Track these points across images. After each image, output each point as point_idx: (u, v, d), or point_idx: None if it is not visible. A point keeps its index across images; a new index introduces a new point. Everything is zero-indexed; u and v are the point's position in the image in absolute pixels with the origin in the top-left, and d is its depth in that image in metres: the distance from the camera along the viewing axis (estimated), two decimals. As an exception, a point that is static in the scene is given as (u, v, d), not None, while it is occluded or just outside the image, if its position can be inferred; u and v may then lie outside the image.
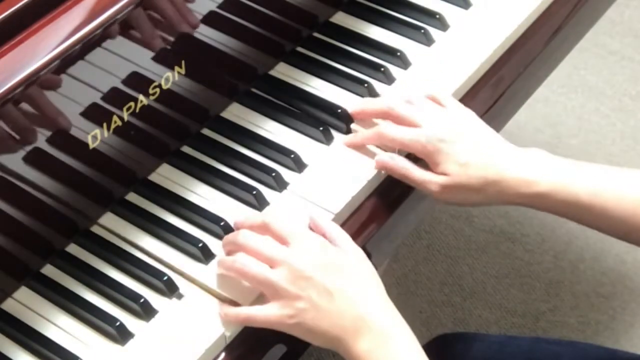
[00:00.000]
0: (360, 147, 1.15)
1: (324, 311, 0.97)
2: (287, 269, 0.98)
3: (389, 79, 1.24)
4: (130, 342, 1.01)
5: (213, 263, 1.06)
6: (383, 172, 1.14)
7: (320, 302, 0.97)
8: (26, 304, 1.04)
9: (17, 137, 0.98)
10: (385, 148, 1.15)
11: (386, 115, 1.14)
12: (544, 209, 1.09)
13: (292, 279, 0.97)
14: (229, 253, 1.03)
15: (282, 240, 1.00)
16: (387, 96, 1.19)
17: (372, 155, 1.15)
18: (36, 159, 1.00)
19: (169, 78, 1.10)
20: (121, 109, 1.06)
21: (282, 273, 0.98)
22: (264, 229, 1.02)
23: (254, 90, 1.22)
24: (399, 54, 1.25)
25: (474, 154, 1.09)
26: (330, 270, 0.98)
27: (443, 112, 1.13)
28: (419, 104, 1.13)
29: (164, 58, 1.09)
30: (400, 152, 1.13)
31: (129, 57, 1.05)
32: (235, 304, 1.02)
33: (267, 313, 0.99)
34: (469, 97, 1.24)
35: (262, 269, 0.99)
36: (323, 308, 0.97)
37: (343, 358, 0.99)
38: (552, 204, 1.08)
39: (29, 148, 0.99)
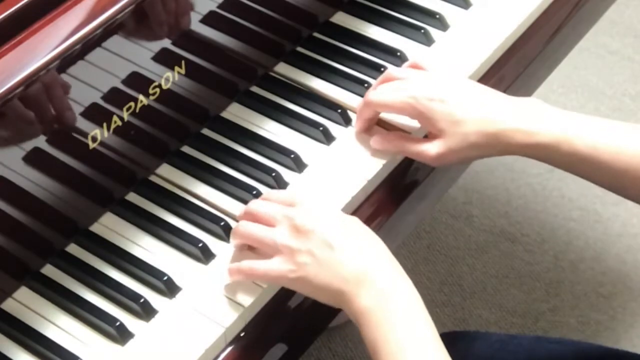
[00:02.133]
0: (364, 143, 1.15)
1: (325, 264, 0.96)
2: (289, 225, 0.98)
3: (389, 79, 1.24)
4: (130, 342, 1.01)
5: (213, 263, 1.06)
6: (383, 172, 1.14)
7: (321, 255, 0.96)
8: (26, 304, 1.04)
9: (17, 136, 0.98)
10: (389, 127, 1.15)
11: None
12: (541, 160, 1.07)
13: (293, 233, 0.98)
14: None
15: (289, 205, 1.01)
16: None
17: (372, 155, 1.15)
18: (36, 159, 1.00)
19: (169, 78, 1.10)
20: (121, 109, 1.06)
21: (283, 229, 0.99)
22: (271, 198, 1.04)
23: (254, 90, 1.23)
24: (399, 54, 1.25)
25: (467, 109, 1.07)
26: (332, 224, 0.98)
27: (427, 74, 1.13)
28: (401, 74, 1.13)
29: (164, 58, 1.09)
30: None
31: (129, 57, 1.05)
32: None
33: (268, 267, 0.99)
34: (469, 97, 1.24)
35: (264, 228, 1.00)
36: (325, 261, 0.96)
37: (342, 358, 0.99)
38: (551, 156, 1.06)
39: (29, 148, 0.99)
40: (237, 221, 1.08)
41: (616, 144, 1.05)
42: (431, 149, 1.09)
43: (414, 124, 1.14)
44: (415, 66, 1.15)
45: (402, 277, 0.97)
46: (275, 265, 0.98)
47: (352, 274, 0.95)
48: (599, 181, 1.08)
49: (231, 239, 1.05)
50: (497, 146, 1.07)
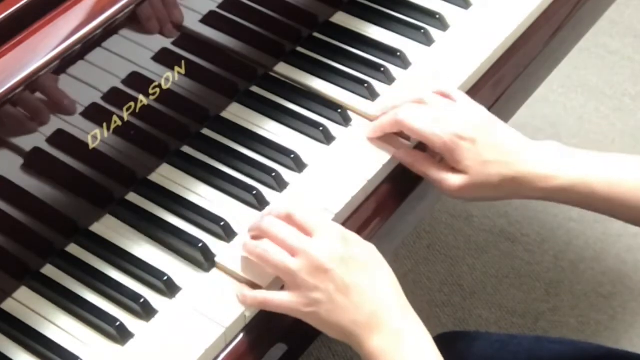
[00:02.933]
0: (363, 143, 1.15)
1: (339, 305, 0.97)
2: (307, 260, 0.99)
3: (389, 79, 1.24)
4: (130, 342, 1.01)
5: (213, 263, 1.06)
6: (383, 172, 1.14)
7: (336, 296, 0.97)
8: (26, 304, 1.04)
9: (17, 136, 0.98)
10: (401, 135, 1.16)
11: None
12: (561, 202, 1.11)
13: (311, 270, 0.98)
14: (253, 238, 1.04)
15: (305, 231, 1.01)
16: (394, 98, 1.19)
17: (372, 155, 1.15)
18: (36, 159, 1.00)
19: (169, 78, 1.10)
20: (121, 109, 1.06)
21: (301, 263, 0.99)
22: (288, 219, 1.03)
23: (254, 90, 1.22)
24: (399, 54, 1.25)
25: (492, 151, 1.09)
26: (350, 264, 0.99)
27: (456, 107, 1.13)
28: (430, 101, 1.14)
29: (164, 58, 1.09)
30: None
31: (129, 57, 1.05)
32: (255, 286, 1.03)
33: (284, 299, 1.00)
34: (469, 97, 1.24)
35: (283, 256, 1.00)
36: (339, 302, 0.97)
37: (342, 358, 0.99)
38: (570, 197, 1.09)
39: (29, 148, 0.99)
40: (235, 219, 1.08)
41: (633, 179, 1.08)
42: (454, 180, 1.10)
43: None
44: (444, 95, 1.15)
45: (412, 316, 0.99)
46: (290, 298, 0.99)
47: (365, 317, 0.97)
48: (620, 217, 1.12)
49: (243, 251, 1.05)
50: (516, 190, 1.10)
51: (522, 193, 1.10)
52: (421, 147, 1.15)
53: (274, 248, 1.01)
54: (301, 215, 1.02)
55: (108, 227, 1.10)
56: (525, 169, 1.09)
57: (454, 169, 1.10)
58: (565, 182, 1.08)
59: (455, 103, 1.14)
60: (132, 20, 1.03)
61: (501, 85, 1.28)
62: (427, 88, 1.16)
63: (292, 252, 1.00)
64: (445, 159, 1.11)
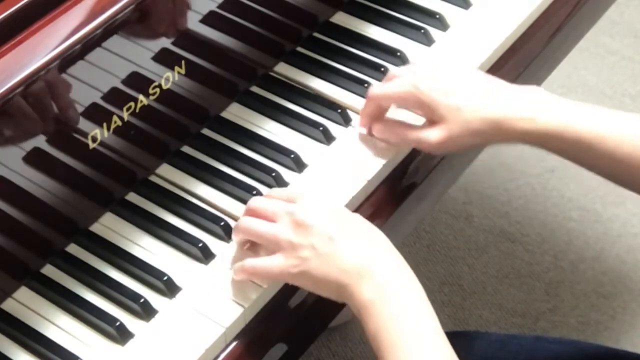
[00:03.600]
0: (363, 144, 1.15)
1: (327, 258, 0.96)
2: (290, 220, 0.99)
3: (389, 79, 1.24)
4: (130, 342, 1.01)
5: (213, 263, 1.06)
6: (383, 172, 1.14)
7: (323, 249, 0.96)
8: (26, 304, 1.04)
9: (17, 136, 0.98)
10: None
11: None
12: (543, 147, 1.07)
13: (294, 228, 0.98)
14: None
15: (290, 202, 1.02)
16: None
17: (372, 155, 1.15)
18: (36, 159, 1.00)
19: (169, 78, 1.10)
20: (121, 109, 1.06)
21: (284, 224, 0.99)
22: (274, 196, 1.04)
23: (254, 90, 1.23)
24: (399, 54, 1.25)
25: (470, 96, 1.07)
26: (333, 218, 0.99)
27: (431, 66, 1.13)
28: (402, 69, 1.13)
29: (164, 58, 1.09)
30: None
31: (129, 57, 1.05)
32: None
33: (271, 264, 0.99)
34: (469, 97, 1.24)
35: (266, 224, 1.00)
36: (326, 255, 0.96)
37: (342, 358, 0.99)
38: (553, 142, 1.06)
39: (29, 148, 0.99)
40: (236, 220, 1.08)
41: (620, 132, 1.05)
42: (432, 135, 1.08)
43: (419, 120, 1.14)
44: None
45: (405, 270, 0.97)
46: (277, 262, 0.98)
47: (353, 267, 0.95)
48: (601, 170, 1.08)
49: (233, 236, 1.05)
50: (498, 133, 1.07)
51: (506, 137, 1.07)
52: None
53: (259, 221, 1.01)
54: (285, 189, 1.03)
55: (108, 227, 1.10)
56: (506, 111, 1.06)
57: (432, 124, 1.08)
58: (550, 125, 1.05)
59: (430, 64, 1.14)
60: (133, 20, 1.03)
61: (501, 85, 1.28)
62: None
63: (276, 218, 1.00)
64: (423, 115, 1.10)
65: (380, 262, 0.96)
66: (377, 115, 1.15)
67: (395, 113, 1.15)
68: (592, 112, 1.06)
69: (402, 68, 1.15)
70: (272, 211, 1.01)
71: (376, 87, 1.13)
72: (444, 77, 1.09)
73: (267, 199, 1.04)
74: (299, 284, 0.99)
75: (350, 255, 0.96)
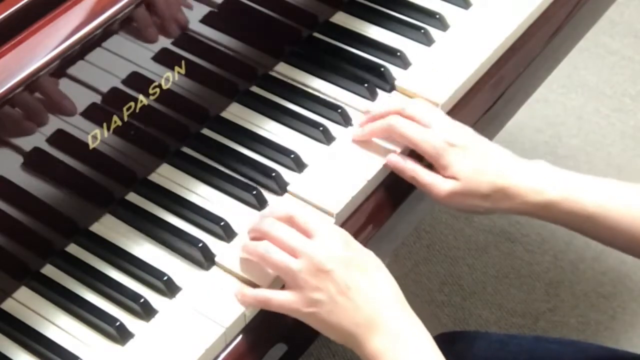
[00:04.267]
0: (363, 144, 1.15)
1: (340, 305, 0.97)
2: (309, 260, 0.99)
3: (389, 79, 1.24)
4: (130, 342, 1.01)
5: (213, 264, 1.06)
6: (383, 172, 1.14)
7: (337, 297, 0.97)
8: (26, 304, 1.04)
9: (17, 136, 0.98)
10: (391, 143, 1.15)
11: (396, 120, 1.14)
12: (548, 219, 1.10)
13: (312, 270, 0.98)
14: (253, 240, 1.04)
15: (306, 233, 1.01)
16: (386, 104, 1.19)
17: (372, 156, 1.15)
18: (36, 159, 1.00)
19: (169, 78, 1.10)
20: (121, 109, 1.06)
21: (303, 263, 0.99)
22: (289, 220, 1.03)
23: (254, 90, 1.22)
24: (399, 54, 1.25)
25: (484, 160, 1.10)
26: (350, 266, 0.99)
27: (450, 119, 1.14)
28: (424, 115, 1.13)
29: (164, 58, 1.09)
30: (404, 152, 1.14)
31: (129, 57, 1.05)
32: (255, 286, 1.03)
33: (284, 298, 1.00)
34: (469, 97, 1.24)
35: (284, 257, 1.00)
36: (340, 302, 0.97)
37: (342, 358, 0.99)
38: (558, 214, 1.08)
39: (29, 148, 0.99)
40: (235, 219, 1.08)
41: (623, 202, 1.07)
42: (445, 186, 1.10)
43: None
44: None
45: (412, 319, 0.99)
46: (291, 298, 0.99)
47: (365, 319, 0.97)
48: (608, 240, 1.11)
49: (244, 253, 1.04)
50: (505, 201, 1.09)
51: (511, 206, 1.10)
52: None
53: (275, 248, 1.01)
54: (302, 216, 1.02)
55: (108, 227, 1.10)
56: (516, 181, 1.08)
57: (444, 176, 1.10)
58: (555, 196, 1.08)
59: (447, 118, 1.14)
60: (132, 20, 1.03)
61: (501, 85, 1.28)
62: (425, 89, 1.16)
63: (293, 253, 1.00)
64: (435, 167, 1.11)
65: (390, 313, 0.98)
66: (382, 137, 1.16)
67: (381, 108, 1.15)
68: (598, 185, 1.09)
69: (423, 112, 1.14)
70: (289, 245, 1.00)
71: (402, 124, 1.12)
72: (464, 137, 1.11)
73: (283, 227, 1.02)
74: (307, 322, 1.00)
75: (362, 306, 0.97)
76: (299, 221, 1.02)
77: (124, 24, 1.02)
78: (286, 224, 1.02)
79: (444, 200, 1.11)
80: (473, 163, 1.09)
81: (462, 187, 1.09)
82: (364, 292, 0.98)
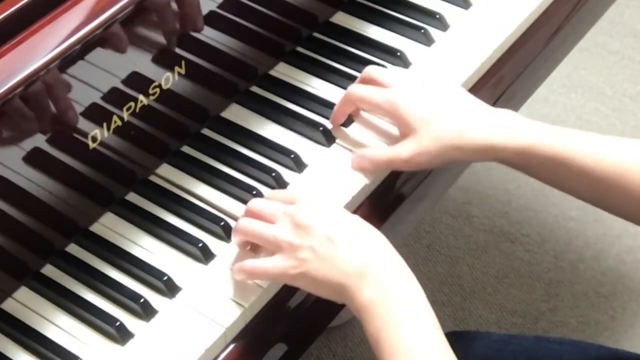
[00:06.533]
0: (364, 144, 1.15)
1: (326, 259, 0.96)
2: (289, 221, 0.99)
3: (389, 79, 1.23)
4: (130, 342, 1.01)
5: (213, 263, 1.06)
6: (382, 172, 1.14)
7: (322, 250, 0.96)
8: (26, 304, 1.04)
9: (17, 136, 0.98)
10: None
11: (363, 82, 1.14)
12: (521, 166, 1.07)
13: (293, 229, 0.98)
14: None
15: (289, 203, 1.02)
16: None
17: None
18: (36, 159, 1.00)
19: (169, 78, 1.10)
20: (121, 109, 1.06)
21: (283, 225, 0.99)
22: (270, 197, 1.04)
23: (254, 90, 1.22)
24: (399, 54, 1.25)
25: (445, 112, 1.07)
26: (333, 220, 0.99)
27: (414, 74, 1.13)
28: (385, 78, 1.13)
29: (164, 58, 1.09)
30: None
31: (129, 57, 1.05)
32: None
33: (270, 265, 0.99)
34: (469, 97, 1.24)
35: (265, 225, 1.00)
36: (325, 256, 0.96)
37: (342, 358, 0.99)
38: (531, 160, 1.05)
39: (29, 148, 0.99)
40: (236, 220, 1.08)
41: (597, 151, 1.04)
42: (403, 150, 1.08)
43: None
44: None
45: (404, 271, 0.97)
46: (277, 263, 0.98)
47: (353, 268, 0.96)
48: (577, 190, 1.08)
49: (232, 237, 1.05)
50: (475, 150, 1.07)
51: (483, 154, 1.07)
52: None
53: (259, 222, 1.01)
54: (283, 191, 1.03)
55: (108, 227, 1.10)
56: (482, 128, 1.06)
57: (405, 137, 1.08)
58: (527, 142, 1.04)
59: (411, 76, 1.14)
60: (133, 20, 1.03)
61: (501, 85, 1.28)
62: None
63: (274, 220, 1.00)
64: (399, 130, 1.10)
65: (380, 263, 0.96)
66: (352, 113, 1.15)
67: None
68: (568, 132, 1.06)
69: (381, 72, 1.14)
70: (271, 213, 1.01)
71: (357, 88, 1.13)
72: (424, 89, 1.09)
73: (266, 201, 1.04)
74: (298, 285, 0.99)
75: (350, 256, 0.96)
76: (281, 195, 1.04)
77: (124, 23, 1.02)
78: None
79: (411, 165, 1.09)
80: (436, 115, 1.06)
81: (422, 143, 1.07)
82: (349, 243, 0.97)
